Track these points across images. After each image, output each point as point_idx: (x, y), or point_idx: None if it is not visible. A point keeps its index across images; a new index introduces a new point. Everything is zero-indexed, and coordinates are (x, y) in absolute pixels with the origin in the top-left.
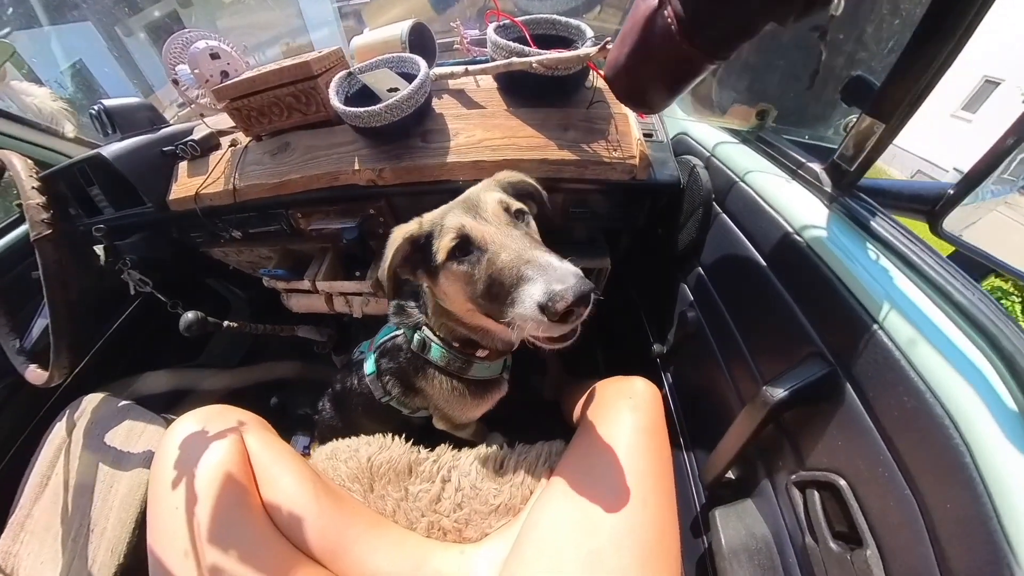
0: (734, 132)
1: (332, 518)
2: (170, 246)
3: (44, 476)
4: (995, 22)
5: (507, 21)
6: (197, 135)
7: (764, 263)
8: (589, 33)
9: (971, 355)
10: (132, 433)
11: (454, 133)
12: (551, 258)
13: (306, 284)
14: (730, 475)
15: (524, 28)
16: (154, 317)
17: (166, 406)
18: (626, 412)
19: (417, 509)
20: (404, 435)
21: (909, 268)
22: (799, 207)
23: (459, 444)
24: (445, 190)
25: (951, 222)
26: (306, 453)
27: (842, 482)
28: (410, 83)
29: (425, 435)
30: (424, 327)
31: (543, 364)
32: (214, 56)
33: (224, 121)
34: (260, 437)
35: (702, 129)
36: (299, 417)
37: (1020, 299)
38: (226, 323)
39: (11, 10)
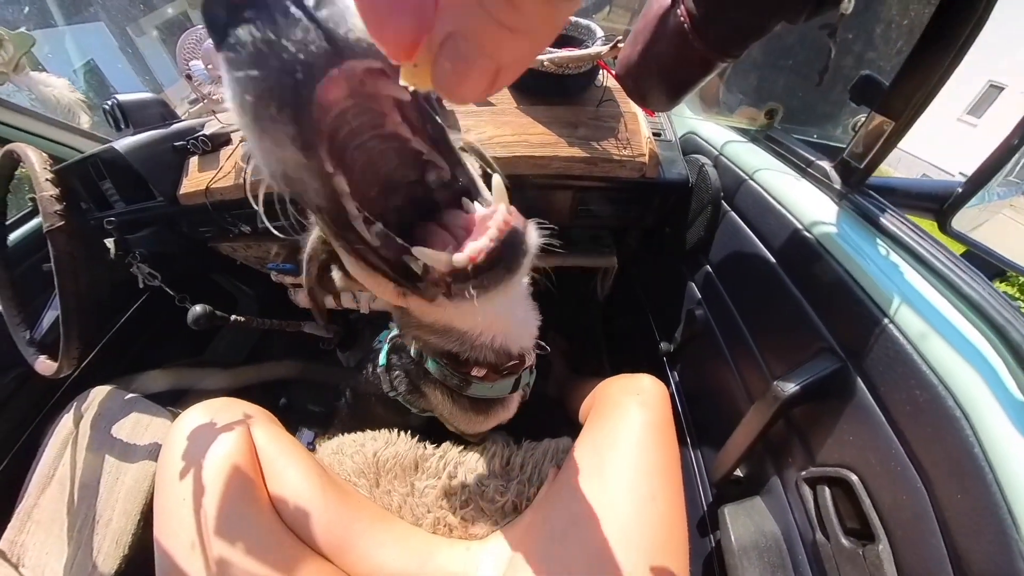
0: (743, 131)
1: (338, 512)
2: (179, 241)
3: (51, 467)
4: (1000, 26)
5: None
6: (208, 130)
7: (773, 260)
8: (599, 32)
9: (981, 347)
10: (138, 425)
11: (465, 130)
12: None
13: None
14: (739, 472)
15: None
16: (162, 311)
17: (170, 402)
18: (634, 409)
19: (423, 505)
20: (410, 431)
21: (919, 263)
22: (809, 204)
23: (465, 441)
24: None
25: (959, 222)
26: (311, 447)
27: (853, 477)
28: None
29: (431, 431)
30: None
31: (548, 362)
32: None
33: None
34: (267, 430)
35: (710, 128)
36: (309, 413)
37: None
38: (233, 317)
39: (27, 9)
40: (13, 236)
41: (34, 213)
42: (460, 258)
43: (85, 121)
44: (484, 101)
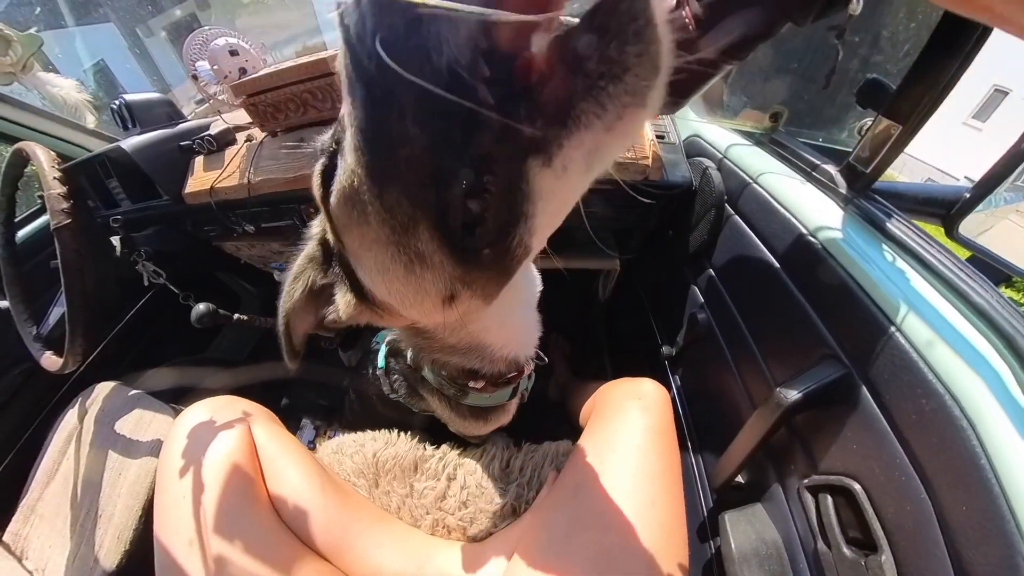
0: (747, 134)
1: (337, 513)
2: (184, 239)
3: (55, 461)
4: (1005, 32)
5: None
6: (214, 130)
7: (777, 264)
8: None
9: (988, 356)
10: (141, 422)
11: None
12: None
13: None
14: (740, 479)
15: None
16: (166, 309)
17: (173, 399)
18: (636, 413)
19: (422, 506)
20: (410, 432)
21: (926, 270)
22: (814, 209)
23: (465, 442)
24: None
25: (966, 227)
26: (312, 447)
27: (857, 486)
28: None
29: (431, 432)
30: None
31: (549, 364)
32: (233, 53)
33: (241, 117)
34: (267, 429)
35: (715, 131)
36: (315, 405)
37: None
38: (236, 316)
39: (38, 9)
40: (21, 233)
41: (42, 211)
42: None
43: (91, 121)
44: None
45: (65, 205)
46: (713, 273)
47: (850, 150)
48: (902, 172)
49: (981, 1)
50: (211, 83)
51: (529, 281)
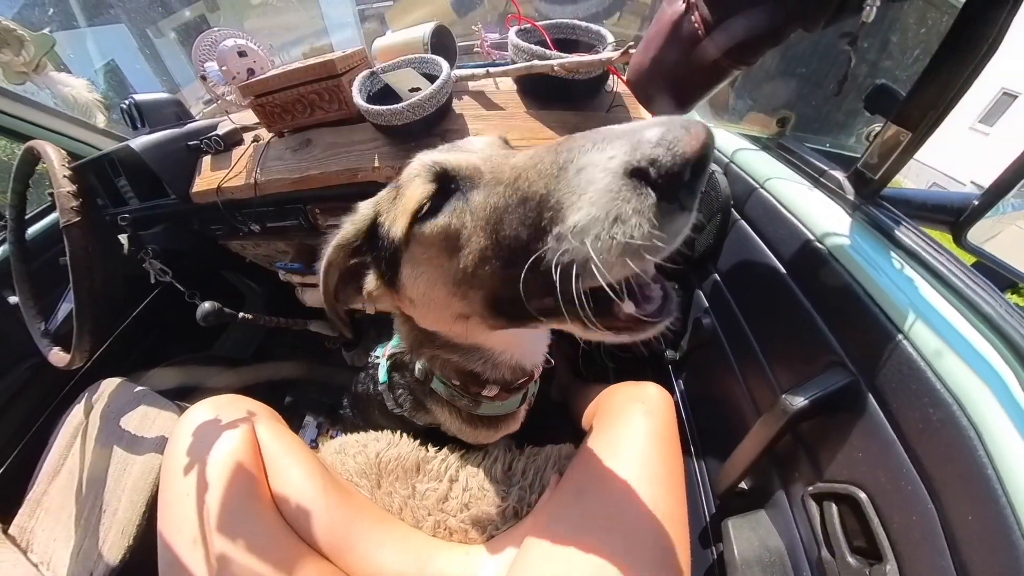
0: (754, 139)
1: (339, 513)
2: (191, 238)
3: (61, 456)
4: (1013, 33)
5: (528, 25)
6: (221, 130)
7: (784, 270)
8: (609, 38)
9: (997, 365)
10: (146, 418)
11: (473, 133)
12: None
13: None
14: (743, 485)
15: (545, 32)
16: (172, 307)
17: (178, 396)
18: (639, 417)
19: (424, 507)
20: (413, 433)
21: (935, 278)
22: (821, 215)
23: (468, 444)
24: None
25: (974, 234)
26: (314, 446)
27: (862, 495)
28: (432, 83)
29: (434, 433)
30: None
31: (552, 367)
32: (241, 54)
33: (248, 117)
34: (271, 428)
35: (721, 135)
36: (319, 403)
37: None
38: (241, 314)
39: (51, 11)
40: (32, 230)
41: (52, 208)
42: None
43: (101, 120)
44: (492, 104)
45: (74, 203)
46: (718, 278)
47: (858, 156)
48: (907, 177)
49: None
50: (219, 84)
51: None
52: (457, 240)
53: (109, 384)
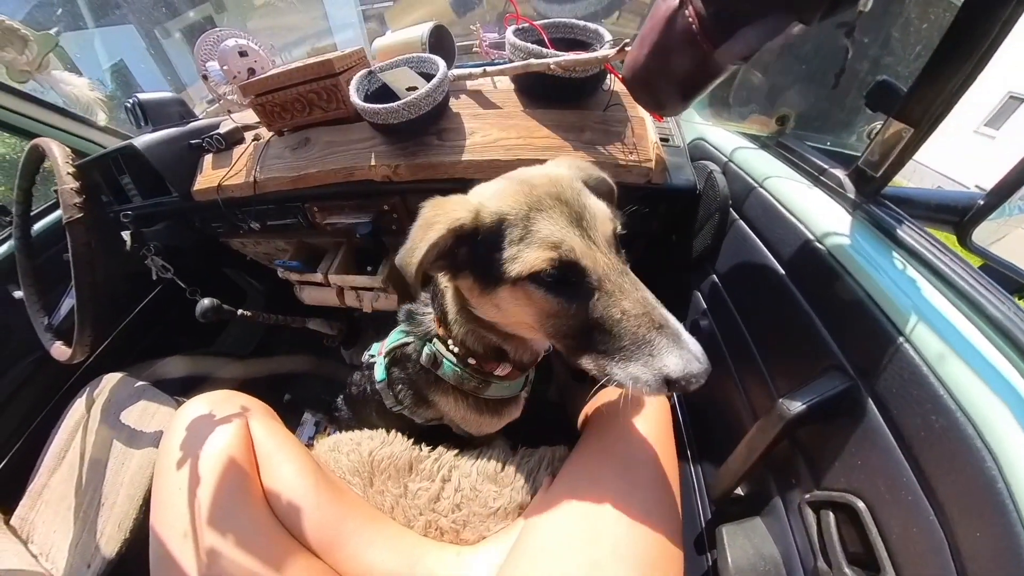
0: (753, 137)
1: (330, 510)
2: (192, 235)
3: (62, 449)
4: (1021, 36)
5: (526, 24)
6: (223, 129)
7: (782, 271)
8: (607, 36)
9: (1006, 372)
10: (146, 413)
11: (470, 132)
12: (679, 325)
13: (319, 277)
14: (739, 491)
15: (543, 31)
16: (174, 304)
17: (182, 390)
18: (635, 420)
19: (415, 507)
20: (407, 433)
21: (938, 279)
22: (821, 214)
23: (461, 444)
24: (460, 189)
25: (979, 235)
26: (310, 444)
27: (860, 504)
28: (429, 82)
29: (428, 433)
30: (436, 339)
31: (549, 368)
32: (242, 54)
33: (250, 117)
34: (265, 424)
35: (720, 134)
36: (319, 401)
37: None
38: (240, 311)
39: (59, 11)
40: (37, 226)
41: (58, 205)
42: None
43: (103, 118)
44: (489, 103)
45: (78, 200)
46: (717, 279)
47: (859, 154)
48: (911, 179)
49: None
50: (221, 83)
51: None
52: (560, 313)
53: (110, 379)
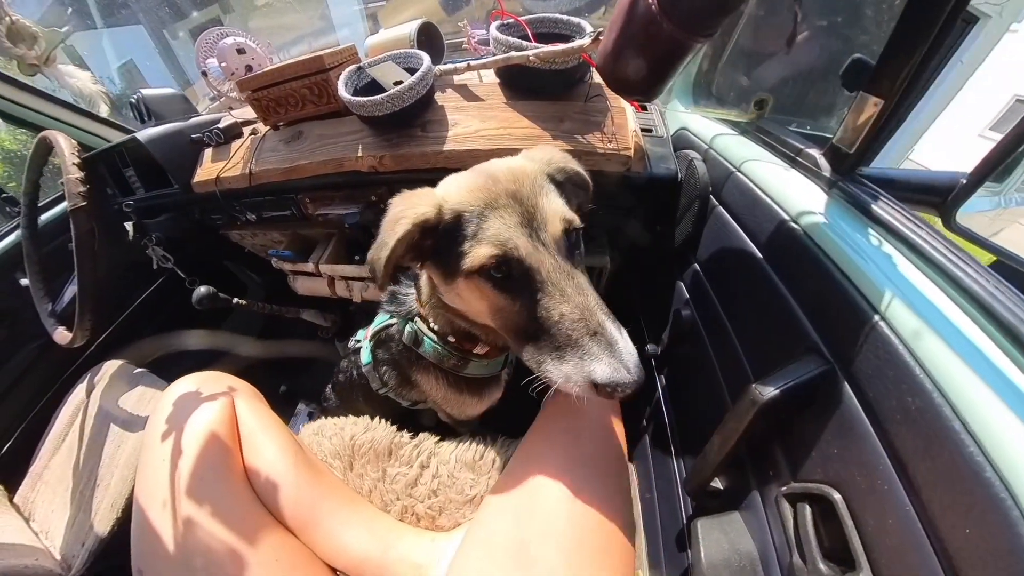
0: (734, 124)
1: (308, 489)
2: (192, 227)
3: (62, 432)
4: None
5: (510, 20)
6: (223, 124)
7: (760, 255)
8: (588, 29)
9: (986, 348)
10: (143, 398)
11: (452, 124)
12: (616, 332)
13: (310, 266)
14: (718, 484)
15: (527, 26)
16: (175, 294)
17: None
18: (582, 403)
19: (393, 491)
20: (391, 420)
21: (914, 253)
22: (796, 194)
23: (442, 433)
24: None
25: (966, 217)
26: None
27: (836, 495)
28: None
29: (412, 421)
30: (417, 318)
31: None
32: (240, 51)
33: (249, 112)
34: (250, 404)
35: (701, 122)
36: (314, 392)
37: None
38: (235, 300)
39: (70, 10)
40: (44, 217)
41: (64, 197)
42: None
43: (105, 110)
44: (473, 96)
45: (82, 189)
46: (698, 268)
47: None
48: None
49: None
50: (220, 80)
51: None
52: (506, 309)
53: (111, 366)
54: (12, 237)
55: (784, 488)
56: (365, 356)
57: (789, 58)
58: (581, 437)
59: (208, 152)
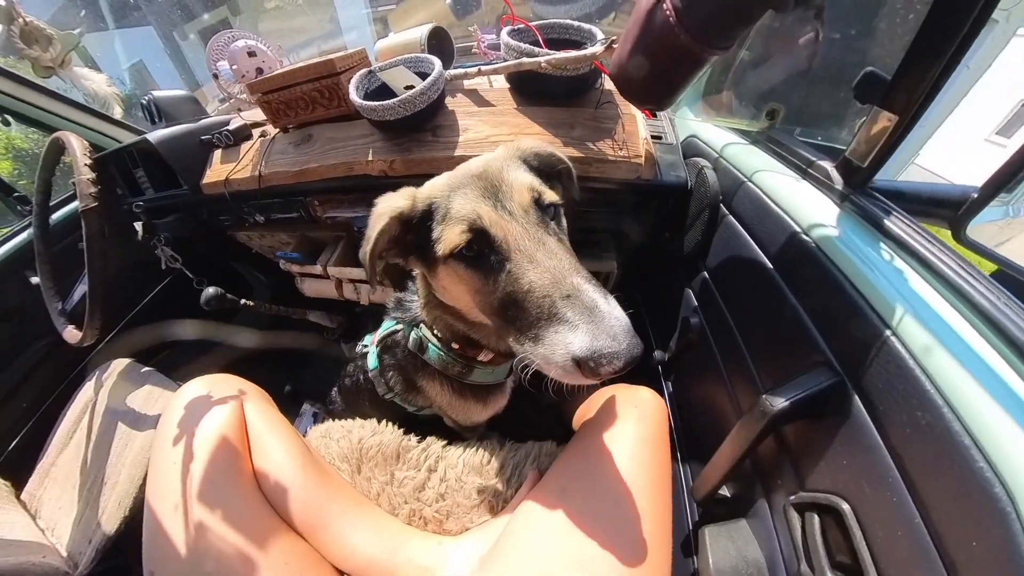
0: (744, 133)
1: (316, 492)
2: (201, 227)
3: (70, 430)
4: None
5: (521, 25)
6: (232, 126)
7: (770, 265)
8: (600, 36)
9: (995, 365)
10: (150, 397)
11: (463, 129)
12: (597, 295)
13: (318, 269)
14: (725, 492)
15: (537, 32)
16: (183, 294)
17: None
18: (630, 422)
19: (400, 495)
20: (398, 423)
21: (926, 269)
22: (808, 206)
23: (450, 436)
24: None
25: (976, 231)
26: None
27: (845, 506)
28: (425, 81)
29: (419, 425)
30: (422, 324)
31: None
32: (251, 54)
33: (259, 115)
34: (258, 407)
35: (712, 131)
36: (320, 393)
37: None
38: (243, 301)
39: (83, 12)
40: (55, 216)
41: (75, 197)
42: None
43: (118, 112)
44: (484, 102)
45: (93, 189)
46: (707, 275)
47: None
48: None
49: None
50: (231, 82)
51: None
52: (482, 288)
53: (119, 364)
54: (24, 235)
55: (792, 497)
56: (372, 361)
57: (800, 68)
58: (636, 458)
59: (218, 154)
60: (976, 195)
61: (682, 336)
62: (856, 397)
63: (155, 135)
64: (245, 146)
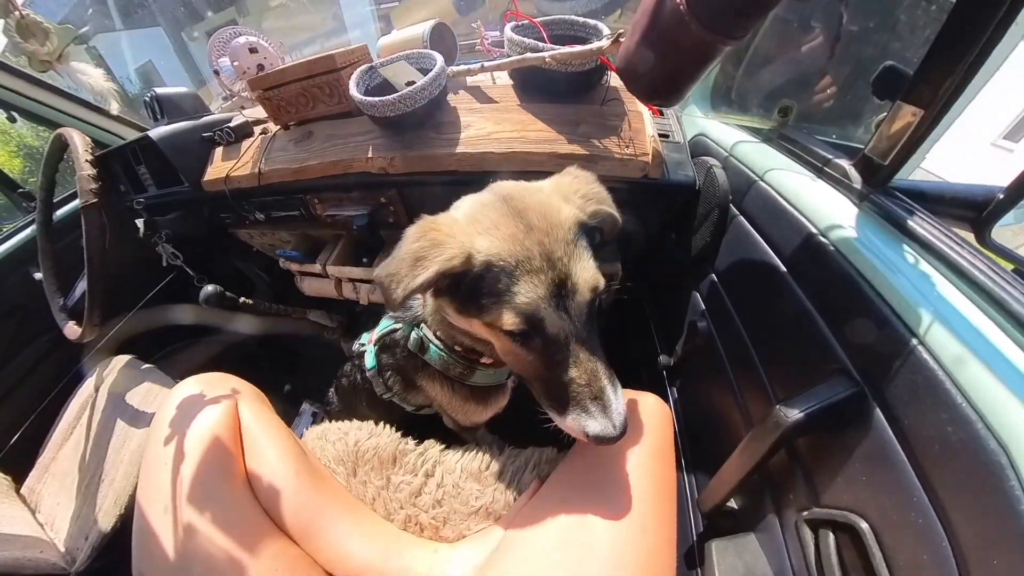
0: (755, 131)
1: (310, 496)
2: (202, 225)
3: (70, 426)
4: None
5: (526, 21)
6: (234, 123)
7: (784, 268)
8: (605, 31)
9: None
10: (149, 395)
11: (466, 125)
12: (613, 396)
13: (317, 267)
14: (733, 504)
15: (542, 28)
16: (184, 292)
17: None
18: (635, 430)
19: (397, 500)
20: (396, 425)
21: (956, 274)
22: (825, 206)
23: (448, 440)
24: (454, 181)
25: (1002, 234)
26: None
27: (863, 524)
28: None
29: (417, 427)
30: (423, 324)
31: None
32: (252, 51)
33: (261, 112)
34: (253, 408)
35: (721, 129)
36: (319, 392)
37: None
38: (242, 299)
39: (91, 11)
40: (58, 213)
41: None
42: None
43: (115, 107)
44: (487, 98)
45: (94, 186)
46: (716, 278)
47: (864, 146)
48: None
49: None
50: (232, 79)
51: None
52: (521, 358)
53: (119, 361)
54: (28, 231)
55: (805, 513)
56: (369, 361)
57: (814, 62)
58: (640, 468)
59: (219, 151)
60: (1002, 196)
61: (688, 340)
62: (877, 409)
63: (157, 132)
64: (246, 143)
